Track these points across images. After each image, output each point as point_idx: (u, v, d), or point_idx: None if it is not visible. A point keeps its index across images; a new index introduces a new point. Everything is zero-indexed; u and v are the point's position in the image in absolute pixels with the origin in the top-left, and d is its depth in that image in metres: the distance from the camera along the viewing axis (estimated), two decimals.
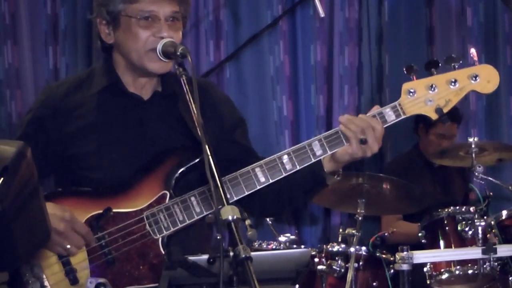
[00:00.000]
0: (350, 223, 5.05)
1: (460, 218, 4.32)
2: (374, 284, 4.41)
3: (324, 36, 5.62)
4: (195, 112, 2.29)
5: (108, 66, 2.76)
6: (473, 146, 4.44)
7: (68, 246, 2.59)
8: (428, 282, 4.29)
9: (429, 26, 5.73)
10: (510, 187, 4.53)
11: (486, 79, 2.66)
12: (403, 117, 2.65)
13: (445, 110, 2.63)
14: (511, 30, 5.76)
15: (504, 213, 4.44)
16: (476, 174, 4.35)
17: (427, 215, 4.50)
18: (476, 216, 4.22)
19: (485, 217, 4.20)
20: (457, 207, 4.41)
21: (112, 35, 2.71)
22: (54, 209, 2.56)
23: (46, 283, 2.61)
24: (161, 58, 2.60)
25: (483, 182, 4.45)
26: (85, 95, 2.76)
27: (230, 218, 2.05)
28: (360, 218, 4.33)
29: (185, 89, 2.38)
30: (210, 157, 2.16)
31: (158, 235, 2.62)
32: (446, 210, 4.41)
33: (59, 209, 2.58)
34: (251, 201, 2.71)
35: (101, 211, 2.63)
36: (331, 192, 4.49)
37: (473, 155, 4.42)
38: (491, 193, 4.32)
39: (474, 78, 2.66)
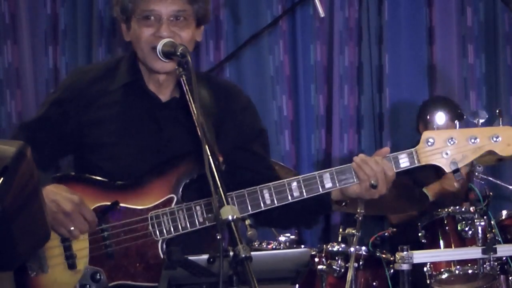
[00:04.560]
0: (350, 222, 5.05)
1: (460, 217, 4.31)
2: (374, 283, 4.40)
3: (324, 36, 5.62)
4: (195, 112, 2.30)
5: (133, 62, 2.79)
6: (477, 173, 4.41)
7: (72, 228, 2.62)
8: (428, 281, 4.28)
9: (429, 26, 5.73)
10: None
11: (507, 142, 2.64)
12: (416, 165, 2.68)
13: (460, 165, 2.64)
14: (511, 30, 5.76)
15: (504, 213, 4.44)
16: (476, 174, 4.34)
17: (427, 215, 4.50)
18: (476, 216, 4.22)
19: (485, 217, 4.19)
20: (457, 207, 4.41)
21: (128, 34, 2.75)
22: (64, 191, 2.63)
23: (45, 264, 2.67)
24: (161, 58, 2.62)
25: (483, 182, 4.45)
26: (108, 86, 2.79)
27: (230, 218, 2.05)
28: (360, 218, 4.32)
29: (185, 89, 2.39)
30: (210, 157, 2.16)
31: (159, 237, 2.65)
32: (446, 209, 4.41)
33: (69, 192, 2.64)
34: (258, 212, 2.72)
35: (108, 203, 2.66)
36: None
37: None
38: (491, 193, 4.32)
39: (495, 139, 2.64)
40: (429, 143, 2.66)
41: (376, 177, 2.61)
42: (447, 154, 2.65)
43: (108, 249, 2.65)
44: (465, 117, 2.71)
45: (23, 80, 5.35)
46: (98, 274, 2.63)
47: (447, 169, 2.65)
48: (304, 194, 2.65)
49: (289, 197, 2.65)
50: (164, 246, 2.65)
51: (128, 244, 2.65)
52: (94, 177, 2.74)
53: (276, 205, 2.65)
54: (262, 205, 2.65)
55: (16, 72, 5.37)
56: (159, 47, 2.60)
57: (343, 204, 2.73)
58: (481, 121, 2.67)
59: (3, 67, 5.36)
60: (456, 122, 2.69)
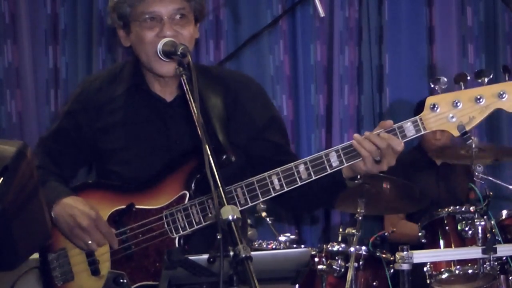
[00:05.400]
0: (350, 222, 5.05)
1: (460, 217, 4.31)
2: (374, 283, 4.40)
3: (324, 36, 5.62)
4: (195, 111, 2.29)
5: (136, 66, 2.81)
6: (473, 146, 4.42)
7: (90, 242, 2.69)
8: (428, 281, 4.28)
9: (429, 26, 5.73)
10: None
11: None
12: (423, 132, 2.57)
13: (468, 128, 2.53)
14: (511, 30, 5.76)
15: (504, 213, 4.44)
16: (476, 174, 4.34)
17: (427, 215, 4.49)
18: (476, 215, 4.21)
19: (485, 217, 4.19)
20: (457, 207, 4.41)
21: (128, 39, 2.75)
22: (83, 205, 2.70)
23: (70, 271, 2.73)
24: (162, 57, 2.62)
25: (483, 182, 4.44)
26: (114, 92, 2.83)
27: (230, 217, 2.05)
28: (360, 218, 4.33)
29: (185, 88, 2.39)
30: (210, 157, 2.16)
31: (175, 234, 2.68)
32: (446, 209, 4.41)
33: (87, 207, 2.70)
34: (279, 198, 2.72)
35: (124, 206, 2.70)
36: None
37: (473, 155, 4.41)
38: (491, 193, 4.31)
39: (501, 96, 2.51)
40: (434, 109, 2.55)
41: (378, 152, 2.55)
42: (453, 117, 2.54)
43: (127, 251, 2.69)
44: (468, 77, 2.55)
45: (23, 80, 5.35)
46: (121, 278, 2.66)
47: (455, 133, 2.54)
48: (313, 175, 2.61)
49: (298, 181, 2.62)
50: (182, 242, 2.67)
51: (146, 245, 2.69)
52: (109, 182, 2.79)
53: (286, 189, 2.63)
54: (272, 191, 2.63)
55: (16, 72, 5.38)
56: (159, 46, 2.60)
57: (359, 178, 2.68)
58: (487, 80, 2.53)
59: (3, 67, 5.37)
60: (461, 83, 2.57)
